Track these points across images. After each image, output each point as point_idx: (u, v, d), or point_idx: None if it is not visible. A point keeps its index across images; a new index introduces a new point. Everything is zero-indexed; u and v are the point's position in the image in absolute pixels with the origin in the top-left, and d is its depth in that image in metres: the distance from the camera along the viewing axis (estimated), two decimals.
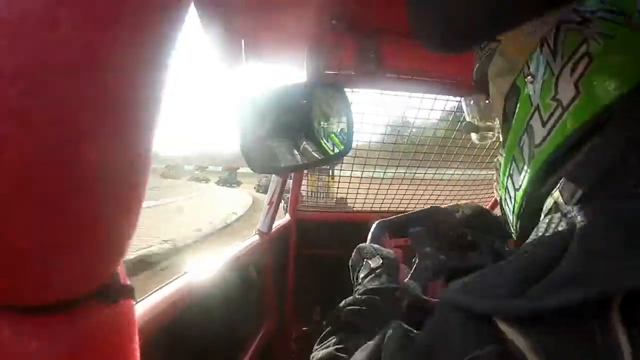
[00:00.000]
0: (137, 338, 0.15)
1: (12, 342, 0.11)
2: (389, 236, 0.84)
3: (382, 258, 0.64)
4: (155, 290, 0.40)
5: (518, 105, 0.31)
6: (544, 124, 0.28)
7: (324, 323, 0.52)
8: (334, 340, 0.47)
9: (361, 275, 0.63)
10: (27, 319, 0.12)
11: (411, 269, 0.82)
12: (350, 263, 0.68)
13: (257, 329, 0.76)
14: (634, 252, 0.16)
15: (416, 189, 1.26)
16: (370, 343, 0.29)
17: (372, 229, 0.86)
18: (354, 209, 1.27)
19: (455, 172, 1.24)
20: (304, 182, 1.22)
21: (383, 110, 0.93)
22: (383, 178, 1.25)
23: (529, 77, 0.29)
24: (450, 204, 1.31)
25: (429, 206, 1.28)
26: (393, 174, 1.27)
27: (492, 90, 0.35)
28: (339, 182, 1.25)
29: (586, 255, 0.17)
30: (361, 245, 0.69)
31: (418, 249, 0.84)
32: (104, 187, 0.11)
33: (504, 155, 0.33)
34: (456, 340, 0.19)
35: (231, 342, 0.64)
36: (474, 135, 0.44)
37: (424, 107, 0.94)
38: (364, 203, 1.27)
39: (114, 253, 0.13)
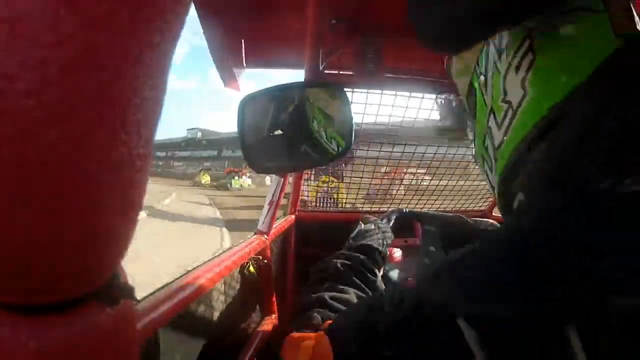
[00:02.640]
0: (137, 338, 0.15)
1: (11, 342, 0.11)
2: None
3: (376, 226, 0.66)
4: (155, 291, 0.40)
5: (477, 107, 0.30)
6: (499, 127, 0.27)
7: (313, 273, 0.55)
8: (323, 288, 0.49)
9: (352, 234, 0.66)
10: (27, 318, 0.12)
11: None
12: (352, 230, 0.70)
13: (257, 329, 0.76)
14: (575, 263, 0.17)
15: (415, 191, 1.26)
16: (372, 296, 0.30)
17: (387, 212, 0.87)
18: (355, 209, 1.27)
19: (454, 177, 1.24)
20: (305, 186, 1.21)
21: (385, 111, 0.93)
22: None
23: (481, 77, 0.29)
24: (450, 205, 1.31)
25: (427, 208, 1.28)
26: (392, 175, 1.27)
27: (459, 89, 0.35)
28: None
29: (541, 262, 0.18)
30: (365, 216, 0.71)
31: (423, 246, 0.85)
32: (104, 187, 0.11)
33: (476, 155, 0.33)
34: (423, 327, 0.21)
35: (231, 341, 0.64)
36: (447, 139, 0.44)
37: (425, 108, 0.94)
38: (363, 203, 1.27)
39: (114, 253, 0.13)
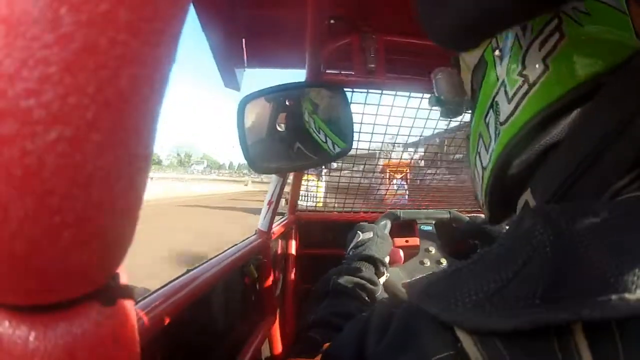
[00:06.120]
0: (137, 338, 0.15)
1: (10, 342, 0.11)
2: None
3: (375, 234, 0.66)
4: (155, 290, 0.40)
5: (484, 80, 0.29)
6: (509, 101, 0.26)
7: (315, 291, 0.55)
8: (324, 304, 0.48)
9: (351, 245, 0.66)
10: (27, 318, 0.12)
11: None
12: (347, 237, 0.70)
13: (257, 329, 0.76)
14: (592, 272, 0.15)
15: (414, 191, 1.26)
16: (362, 316, 0.29)
17: (382, 215, 0.87)
18: (354, 209, 1.27)
19: (453, 176, 1.24)
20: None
21: (383, 110, 0.93)
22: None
23: (497, 51, 0.28)
24: (448, 206, 1.31)
25: (425, 208, 1.28)
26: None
27: (462, 64, 0.34)
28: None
29: (550, 271, 0.16)
30: (361, 222, 0.71)
31: (422, 246, 0.85)
32: (104, 187, 0.11)
33: (471, 131, 0.32)
34: (420, 341, 0.19)
35: (231, 341, 0.64)
36: (440, 111, 0.42)
37: (424, 107, 0.94)
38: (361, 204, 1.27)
39: (114, 253, 0.13)
